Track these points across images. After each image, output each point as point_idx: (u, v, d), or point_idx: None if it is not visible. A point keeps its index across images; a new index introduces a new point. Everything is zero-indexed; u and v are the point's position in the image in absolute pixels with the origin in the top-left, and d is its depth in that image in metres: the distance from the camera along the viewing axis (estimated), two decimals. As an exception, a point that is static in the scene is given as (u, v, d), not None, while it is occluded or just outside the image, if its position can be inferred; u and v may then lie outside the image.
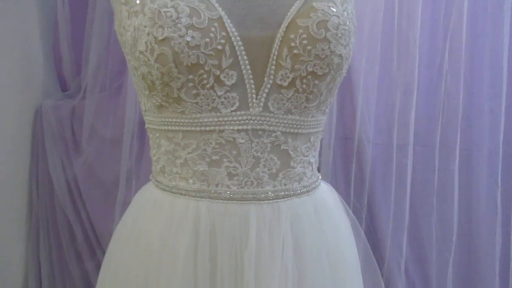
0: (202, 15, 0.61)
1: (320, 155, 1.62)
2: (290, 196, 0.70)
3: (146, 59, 0.62)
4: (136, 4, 0.63)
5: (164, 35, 0.60)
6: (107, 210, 1.96)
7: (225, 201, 0.67)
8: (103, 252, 1.98)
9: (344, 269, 0.74)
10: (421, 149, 1.60)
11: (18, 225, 2.03)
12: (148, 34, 0.61)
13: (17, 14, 1.94)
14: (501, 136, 1.53)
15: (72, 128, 2.02)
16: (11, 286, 2.04)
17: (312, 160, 0.73)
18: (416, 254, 1.65)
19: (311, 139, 0.73)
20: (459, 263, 1.59)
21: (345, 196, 1.62)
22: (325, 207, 0.74)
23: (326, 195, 0.77)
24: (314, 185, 0.74)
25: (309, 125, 0.71)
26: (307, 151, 0.72)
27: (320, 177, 0.78)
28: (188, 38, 0.61)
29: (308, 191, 0.72)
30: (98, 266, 2.01)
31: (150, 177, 0.75)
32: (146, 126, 0.74)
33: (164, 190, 0.71)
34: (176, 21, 0.61)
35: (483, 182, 1.56)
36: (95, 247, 2.03)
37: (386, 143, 1.61)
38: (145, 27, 0.62)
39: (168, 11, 0.61)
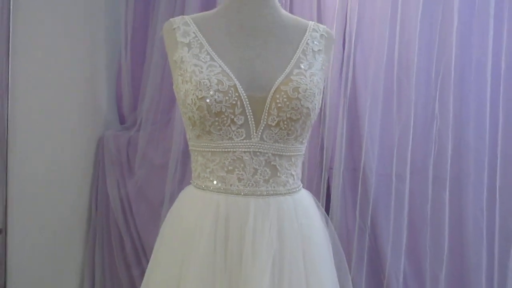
0: (224, 83, 0.96)
1: (331, 182, 1.85)
2: (277, 195, 1.01)
3: (191, 108, 0.96)
4: (186, 76, 0.98)
5: (202, 95, 0.95)
6: (153, 225, 2.12)
7: (235, 195, 0.99)
8: (148, 261, 2.22)
9: (314, 245, 1.01)
10: (417, 178, 1.76)
11: (78, 234, 2.26)
12: (193, 94, 0.96)
13: (87, 58, 2.23)
14: (486, 170, 1.68)
15: (127, 154, 2.25)
16: (69, 285, 2.25)
17: (293, 173, 1.04)
18: (412, 269, 1.79)
19: (292, 159, 1.03)
20: (449, 278, 1.73)
21: (352, 218, 1.82)
22: (302, 205, 1.04)
23: (304, 198, 1.07)
24: (294, 190, 1.04)
25: (290, 150, 1.02)
26: (290, 166, 1.03)
27: (301, 185, 1.08)
28: (216, 97, 0.95)
29: (290, 193, 1.03)
30: (143, 273, 2.18)
31: (191, 181, 1.08)
32: (190, 148, 1.07)
33: (198, 188, 1.03)
34: (209, 87, 0.95)
35: (470, 209, 1.70)
36: (141, 256, 2.21)
37: (387, 173, 1.79)
38: (191, 90, 0.96)
39: (205, 82, 0.95)
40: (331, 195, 1.85)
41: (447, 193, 1.72)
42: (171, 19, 1.08)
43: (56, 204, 2.11)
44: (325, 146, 1.87)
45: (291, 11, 1.79)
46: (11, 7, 1.75)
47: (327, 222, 1.10)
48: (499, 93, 1.69)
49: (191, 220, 1.00)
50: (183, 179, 2.12)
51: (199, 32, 1.03)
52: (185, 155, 2.11)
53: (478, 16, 1.72)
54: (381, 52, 1.78)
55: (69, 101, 2.14)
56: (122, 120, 2.39)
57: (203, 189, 1.02)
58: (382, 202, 1.81)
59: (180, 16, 1.08)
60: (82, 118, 2.23)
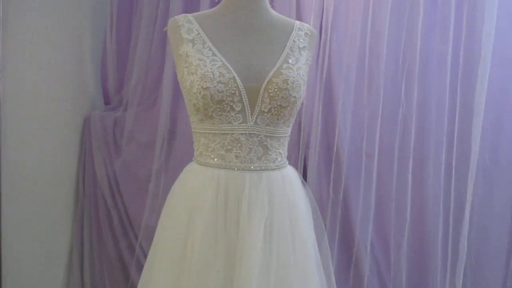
0: (225, 75, 1.09)
1: (307, 159, 1.99)
2: (268, 170, 1.16)
3: (196, 96, 1.10)
4: (192, 69, 1.11)
5: (206, 86, 1.08)
6: (140, 200, 2.25)
7: (233, 170, 1.13)
8: (135, 234, 2.28)
9: (297, 210, 1.18)
10: (384, 157, 1.91)
11: (67, 209, 2.34)
12: (198, 84, 1.09)
13: (72, 40, 2.26)
14: (444, 150, 1.84)
15: (114, 134, 2.31)
16: (59, 259, 2.33)
17: (281, 151, 1.19)
18: (378, 237, 1.96)
19: (281, 140, 1.19)
20: (410, 244, 1.90)
21: (326, 192, 1.97)
22: (288, 178, 1.20)
23: (290, 172, 1.23)
24: (282, 166, 1.20)
25: (279, 132, 1.18)
26: (278, 146, 1.18)
27: (287, 162, 1.24)
28: (218, 88, 1.08)
29: (278, 168, 1.19)
30: (129, 245, 2.30)
31: (193, 159, 1.22)
32: (192, 130, 1.20)
33: (200, 164, 1.17)
34: (213, 79, 1.08)
35: (429, 184, 1.87)
36: (128, 230, 2.31)
37: (357, 152, 1.94)
38: (197, 81, 1.09)
39: (209, 74, 1.09)
40: (307, 171, 1.98)
41: (410, 170, 1.87)
42: (175, 17, 1.20)
43: (45, 181, 2.18)
44: (302, 127, 1.99)
45: (270, 2, 1.90)
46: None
47: (307, 193, 1.26)
48: (457, 81, 1.83)
49: (195, 190, 1.14)
50: (169, 156, 2.22)
51: (201, 30, 1.16)
52: (171, 134, 2.22)
53: (441, 10, 1.84)
54: (354, 42, 1.90)
55: (56, 82, 2.18)
56: (107, 101, 2.44)
57: (205, 165, 1.16)
58: (353, 178, 1.96)
59: (183, 15, 1.20)
60: (68, 99, 2.27)
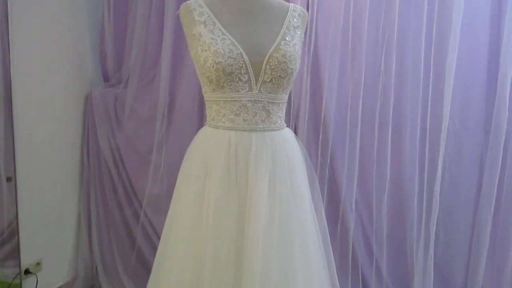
0: (233, 52, 1.25)
1: (298, 127, 2.14)
2: (270, 130, 1.33)
3: (210, 70, 1.26)
4: (205, 46, 1.27)
5: (219, 60, 1.24)
6: (142, 171, 2.40)
7: (241, 131, 1.30)
8: (139, 203, 2.44)
9: (295, 165, 1.36)
10: (366, 124, 2.06)
11: (73, 181, 2.50)
12: (211, 60, 1.25)
13: (70, 19, 2.35)
14: (419, 116, 1.99)
15: (115, 109, 2.44)
16: (68, 226, 2.51)
17: (280, 115, 1.37)
18: (362, 195, 2.13)
19: (280, 105, 1.36)
20: (390, 201, 2.08)
21: (314, 156, 2.12)
22: (287, 137, 1.38)
23: (288, 133, 1.40)
24: (282, 127, 1.37)
25: (279, 98, 1.35)
26: (278, 111, 1.35)
27: (285, 124, 1.41)
28: (228, 62, 1.24)
29: (278, 129, 1.35)
30: (134, 213, 2.47)
31: (205, 123, 1.38)
32: (205, 99, 1.37)
33: (213, 127, 1.34)
34: (223, 54, 1.24)
35: (407, 146, 2.03)
36: (133, 198, 2.46)
37: (342, 120, 2.08)
38: (210, 56, 1.25)
39: (220, 51, 1.24)
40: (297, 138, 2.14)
41: (390, 134, 2.03)
42: (187, 2, 1.36)
43: (54, 154, 2.32)
44: (292, 98, 2.13)
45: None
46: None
47: (302, 151, 1.45)
48: (430, 52, 1.96)
49: (209, 148, 1.32)
50: (169, 130, 2.34)
51: (211, 13, 1.32)
52: (170, 108, 2.34)
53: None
54: (338, 20, 2.03)
55: (57, 62, 2.29)
56: (106, 78, 2.54)
57: (217, 128, 1.33)
58: (339, 143, 2.11)
59: (194, 0, 1.36)
60: (67, 77, 2.37)
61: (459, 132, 2.02)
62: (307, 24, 2.05)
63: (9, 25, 1.94)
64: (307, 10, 2.07)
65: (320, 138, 2.12)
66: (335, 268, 1.51)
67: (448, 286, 2.09)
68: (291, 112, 2.14)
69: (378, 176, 2.09)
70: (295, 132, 2.15)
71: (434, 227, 1.97)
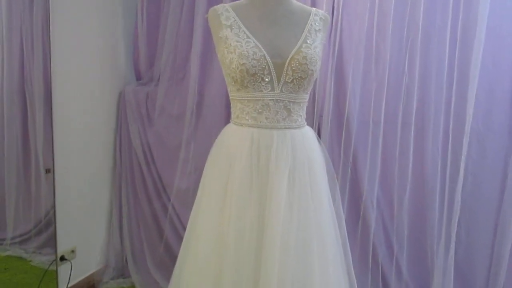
0: (257, 54, 1.32)
1: (321, 126, 2.17)
2: (291, 128, 1.39)
3: (235, 71, 1.33)
4: (231, 49, 1.34)
5: (243, 62, 1.31)
6: (171, 166, 2.49)
7: (264, 129, 1.36)
8: (168, 197, 2.53)
9: (314, 162, 1.41)
10: (389, 124, 2.08)
11: (106, 175, 2.63)
12: (236, 61, 1.32)
13: (106, 22, 2.47)
14: (442, 117, 2.00)
15: (146, 107, 2.53)
16: (100, 217, 2.64)
17: (301, 114, 1.42)
18: (383, 194, 2.15)
19: (301, 105, 1.42)
20: (412, 200, 2.09)
21: (337, 155, 2.15)
22: (307, 135, 1.44)
23: (308, 131, 1.46)
24: (302, 125, 1.43)
25: (299, 98, 1.40)
26: (299, 110, 1.41)
27: (306, 123, 1.46)
28: (252, 63, 1.31)
29: (299, 127, 1.42)
30: (163, 207, 2.56)
31: (231, 120, 1.46)
32: (231, 98, 1.44)
33: (237, 125, 1.41)
34: (248, 57, 1.31)
35: (429, 147, 2.04)
36: (161, 192, 2.55)
37: (365, 120, 2.11)
38: (235, 58, 1.32)
39: (245, 53, 1.32)
40: (321, 137, 2.15)
41: (412, 135, 2.04)
42: (215, 7, 1.44)
43: (89, 149, 2.44)
44: (316, 98, 2.17)
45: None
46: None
47: (322, 149, 1.50)
48: (455, 54, 1.97)
49: (234, 144, 1.39)
50: (197, 127, 2.42)
51: (237, 17, 1.40)
52: (199, 106, 2.42)
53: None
54: (362, 20, 2.06)
55: (93, 61, 2.41)
56: (138, 77, 2.65)
57: (241, 125, 1.40)
58: (361, 143, 2.13)
59: (221, 5, 1.44)
60: (103, 75, 2.49)
61: (483, 134, 2.02)
62: (331, 26, 2.12)
63: (50, 28, 2.06)
64: (333, 12, 2.11)
65: (343, 138, 2.16)
66: (352, 268, 1.55)
67: (468, 286, 2.08)
68: (315, 111, 2.18)
69: (400, 176, 2.11)
70: (319, 131, 2.19)
71: (455, 227, 1.98)
